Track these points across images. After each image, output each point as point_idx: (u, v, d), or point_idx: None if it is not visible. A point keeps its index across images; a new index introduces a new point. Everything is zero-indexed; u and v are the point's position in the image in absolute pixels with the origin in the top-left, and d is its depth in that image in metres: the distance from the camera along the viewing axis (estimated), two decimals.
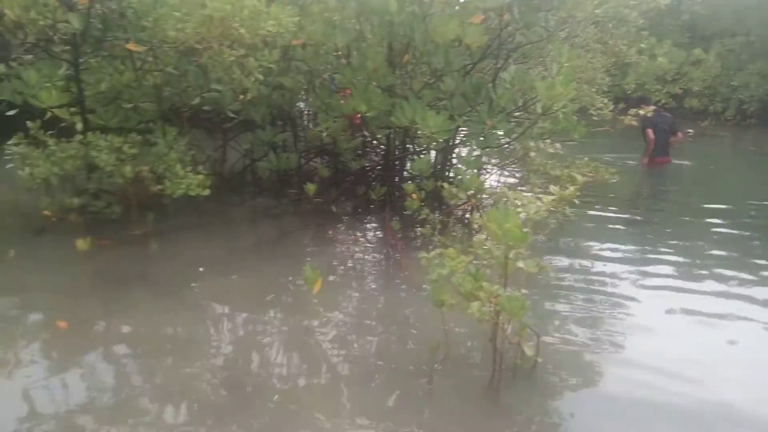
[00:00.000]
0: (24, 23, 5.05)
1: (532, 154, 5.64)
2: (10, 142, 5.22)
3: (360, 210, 6.27)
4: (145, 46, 5.12)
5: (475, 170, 5.32)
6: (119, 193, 5.62)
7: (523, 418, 3.09)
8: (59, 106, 5.05)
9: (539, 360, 3.48)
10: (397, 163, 6.63)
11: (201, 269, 4.73)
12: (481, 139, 5.26)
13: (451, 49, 5.09)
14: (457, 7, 5.17)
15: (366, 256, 5.12)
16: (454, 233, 5.10)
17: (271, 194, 6.90)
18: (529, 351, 3.36)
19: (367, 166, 6.34)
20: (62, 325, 3.76)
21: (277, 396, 3.16)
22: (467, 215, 5.57)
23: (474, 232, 5.09)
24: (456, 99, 5.39)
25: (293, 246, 5.33)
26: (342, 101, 5.48)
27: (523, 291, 3.16)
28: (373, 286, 4.62)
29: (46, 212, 5.15)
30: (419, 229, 5.45)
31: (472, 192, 5.12)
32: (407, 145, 6.91)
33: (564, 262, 5.15)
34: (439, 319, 3.37)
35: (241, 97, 5.85)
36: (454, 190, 4.95)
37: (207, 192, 5.21)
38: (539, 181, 5.47)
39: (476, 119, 5.23)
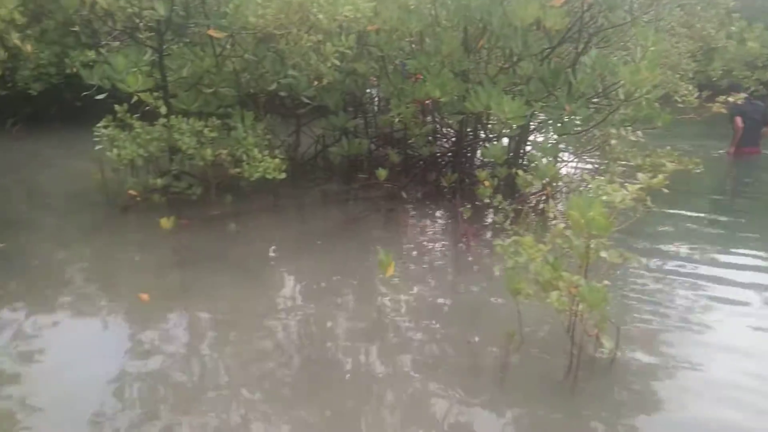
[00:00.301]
0: (113, 11, 5.29)
1: (613, 141, 5.43)
2: (99, 125, 5.50)
3: (430, 196, 6.24)
4: (226, 32, 5.26)
5: (552, 158, 5.17)
6: (199, 174, 5.83)
7: (599, 413, 3.00)
8: (144, 91, 5.27)
9: (618, 354, 3.36)
10: (468, 149, 6.55)
11: (275, 250, 4.86)
12: (559, 125, 5.11)
13: (529, 32, 4.96)
14: None
15: (436, 243, 5.10)
16: (527, 222, 4.99)
17: (342, 179, 6.98)
18: (608, 344, 3.25)
19: (438, 153, 6.29)
20: (144, 297, 3.95)
21: (348, 375, 3.21)
22: (541, 204, 5.43)
23: (549, 221, 4.96)
24: (533, 84, 5.26)
25: (363, 230, 5.37)
26: (415, 87, 5.44)
27: (605, 282, 3.05)
28: (444, 272, 4.60)
29: (131, 191, 5.41)
30: (491, 216, 5.38)
31: (547, 180, 5.00)
32: (479, 132, 6.83)
33: (640, 255, 4.94)
34: (512, 307, 3.31)
35: (316, 83, 5.93)
36: (529, 177, 4.84)
37: (283, 175, 5.32)
38: (619, 170, 5.25)
39: (554, 105, 5.08)
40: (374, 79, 6.79)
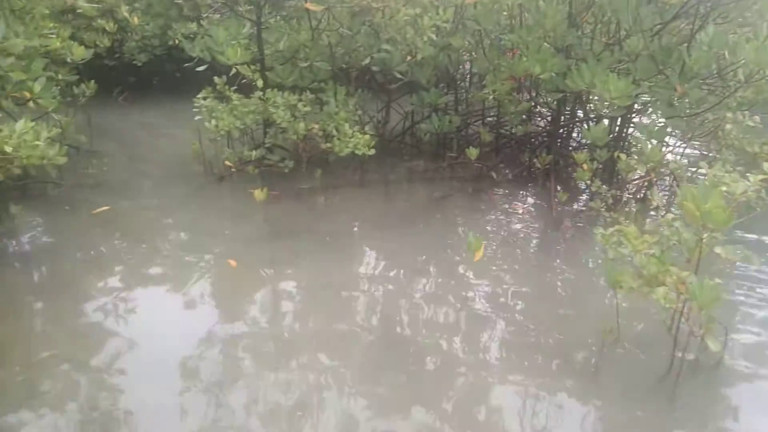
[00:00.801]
0: None
1: (728, 126, 5.00)
2: (199, 96, 5.69)
3: (521, 178, 6.04)
4: (323, 5, 5.25)
5: (658, 142, 4.84)
6: (291, 148, 5.93)
7: (698, 420, 2.81)
8: (242, 64, 5.38)
9: (724, 359, 3.13)
10: (564, 130, 6.27)
11: (361, 226, 4.87)
12: (668, 107, 4.76)
13: (641, 5, 4.61)
14: None
15: (527, 226, 4.93)
16: (627, 209, 4.72)
17: (430, 157, 6.89)
18: (714, 346, 3.02)
19: (532, 132, 6.05)
20: (232, 263, 4.09)
21: (428, 358, 3.17)
22: (643, 191, 5.13)
23: (651, 209, 4.68)
24: (641, 62, 4.91)
25: (450, 210, 5.28)
26: (512, 62, 5.23)
27: (717, 281, 2.82)
28: (535, 258, 4.44)
29: (227, 162, 5.58)
30: (586, 202, 5.13)
31: (652, 165, 4.69)
32: (576, 111, 6.51)
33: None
34: (608, 299, 3.15)
35: (409, 57, 5.84)
36: (632, 162, 4.56)
37: (372, 152, 5.31)
38: (732, 158, 4.84)
39: (664, 85, 4.73)
40: (467, 54, 6.62)
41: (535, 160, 5.75)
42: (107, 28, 9.53)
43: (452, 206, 5.40)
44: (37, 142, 3.71)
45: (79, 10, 7.84)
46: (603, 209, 4.75)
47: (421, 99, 6.29)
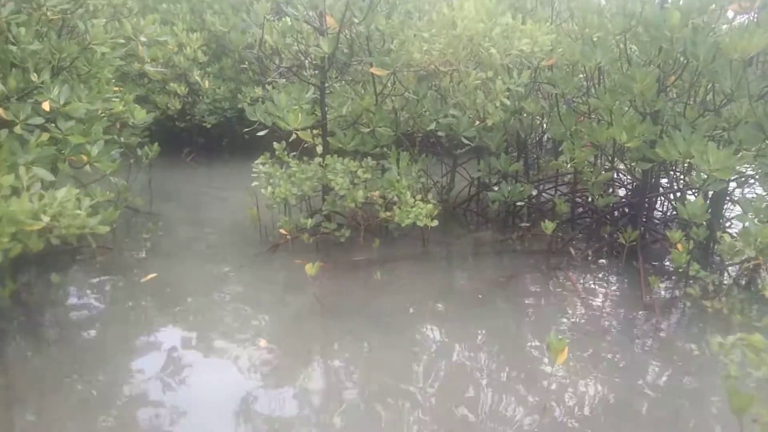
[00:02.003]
0: (280, 48, 5.27)
1: None
2: (257, 162, 5.49)
3: (601, 254, 5.42)
4: (388, 70, 4.99)
5: (767, 220, 4.18)
6: (349, 216, 5.60)
7: None
8: (303, 129, 5.16)
9: None
10: (648, 203, 5.65)
11: (419, 307, 4.37)
12: None
13: (744, 68, 4.08)
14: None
15: (612, 315, 4.28)
16: (729, 297, 4.04)
17: (498, 227, 6.39)
18: None
19: (614, 204, 5.46)
20: (262, 342, 3.71)
21: None
22: (747, 276, 4.43)
23: (761, 299, 3.99)
24: (744, 129, 4.33)
25: (522, 292, 4.71)
26: (594, 128, 4.75)
27: None
28: (627, 359, 3.73)
29: (282, 230, 5.28)
30: (680, 286, 4.47)
31: (760, 247, 4.01)
32: (661, 182, 5.90)
33: None
34: (725, 419, 2.51)
35: (477, 122, 5.48)
36: (738, 243, 3.91)
37: (434, 223, 4.89)
38: None
39: None
40: (540, 118, 6.20)
41: (617, 234, 5.15)
42: (179, 92, 9.76)
43: (524, 286, 4.83)
44: (78, 211, 3.50)
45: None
46: (701, 297, 4.09)
47: (491, 165, 5.87)
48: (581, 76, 5.08)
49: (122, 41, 5.51)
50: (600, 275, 5.04)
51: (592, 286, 4.80)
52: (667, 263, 5.16)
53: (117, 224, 5.57)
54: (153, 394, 3.21)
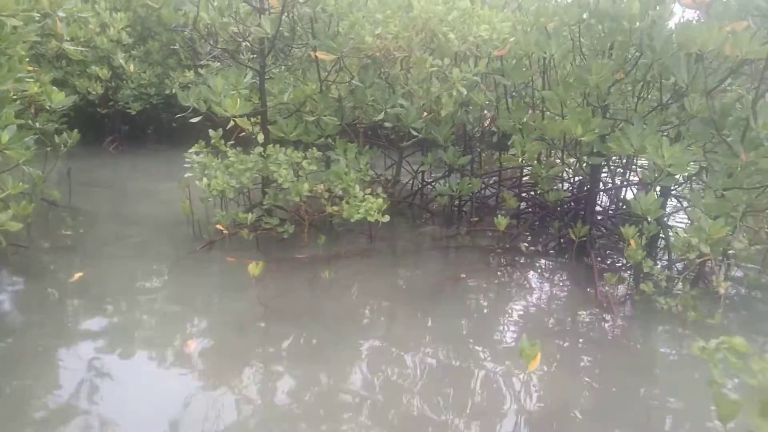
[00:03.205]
0: (217, 28, 4.85)
1: None
2: (191, 151, 5.06)
3: (551, 251, 5.34)
4: (335, 54, 4.69)
5: (717, 217, 4.19)
6: (292, 210, 5.27)
7: None
8: (242, 116, 4.78)
9: None
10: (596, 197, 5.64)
11: (368, 308, 4.11)
12: (729, 177, 4.14)
13: (700, 62, 4.05)
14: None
15: (568, 313, 4.16)
16: (687, 296, 4.02)
17: (443, 221, 6.23)
18: None
19: (563, 200, 5.39)
20: (191, 345, 3.39)
21: None
22: (700, 272, 4.44)
23: (715, 296, 3.99)
24: (695, 124, 4.33)
25: (474, 289, 4.54)
26: (547, 122, 4.64)
27: None
28: (585, 356, 3.62)
29: (219, 226, 4.88)
30: (635, 283, 4.43)
31: (714, 244, 4.01)
32: (610, 177, 5.92)
33: None
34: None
35: (425, 113, 5.27)
36: (693, 240, 3.89)
37: (386, 218, 4.64)
38: None
39: (725, 152, 4.12)
40: (488, 111, 6.08)
41: (566, 230, 5.08)
42: (101, 75, 9.04)
43: (476, 284, 4.65)
44: None
45: (71, 56, 7.33)
46: (654, 293, 4.06)
47: (438, 158, 5.69)
48: (533, 67, 4.95)
49: (37, 16, 4.95)
50: (551, 272, 4.95)
51: (545, 283, 4.70)
52: (615, 259, 5.15)
53: (32, 219, 5.00)
54: (78, 403, 2.80)
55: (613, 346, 3.71)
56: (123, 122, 10.31)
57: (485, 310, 4.14)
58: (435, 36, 3.94)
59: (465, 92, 4.28)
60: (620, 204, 6.02)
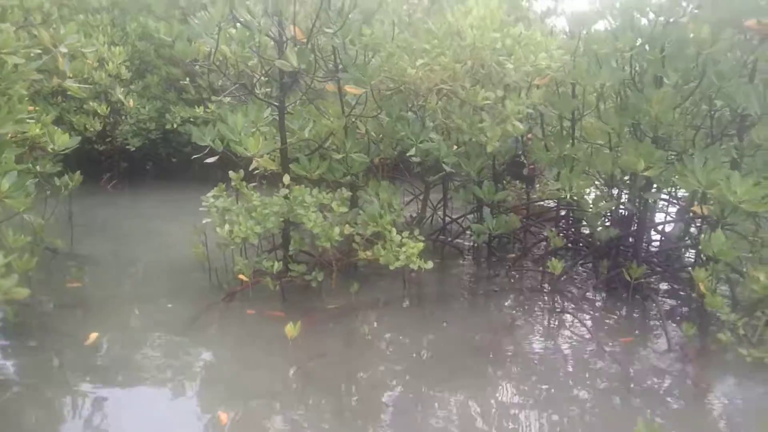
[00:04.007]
0: (237, 61, 4.49)
1: None
2: (209, 194, 4.64)
3: (601, 292, 4.92)
4: (363, 88, 4.32)
5: None
6: (318, 255, 4.84)
7: None
8: (263, 155, 4.39)
9: None
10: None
11: (423, 372, 3.66)
12: None
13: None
14: None
15: (648, 370, 3.61)
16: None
17: (476, 261, 5.83)
18: None
19: (613, 238, 4.98)
20: (223, 417, 2.93)
21: None
22: None
23: None
24: (761, 156, 3.99)
25: (533, 343, 4.03)
26: (599, 155, 4.29)
27: None
28: (681, 421, 3.17)
29: (241, 276, 4.44)
30: (708, 332, 4.02)
31: None
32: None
33: None
34: None
35: (455, 147, 4.91)
36: None
37: (430, 265, 4.22)
38: None
39: None
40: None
41: (624, 271, 4.64)
42: (99, 111, 8.64)
43: (533, 335, 4.16)
44: None
45: (69, 92, 6.94)
46: (736, 344, 3.66)
47: (473, 193, 5.31)
48: (580, 97, 4.60)
49: (38, 51, 4.58)
50: (607, 317, 4.52)
51: (605, 330, 4.26)
52: (674, 301, 4.75)
53: (33, 272, 4.53)
54: None
55: (700, 405, 3.28)
56: (121, 159, 9.87)
57: (550, 368, 3.69)
58: (485, 66, 3.59)
59: (521, 127, 3.92)
60: (666, 239, 5.64)
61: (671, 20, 3.96)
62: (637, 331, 4.22)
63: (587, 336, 4.08)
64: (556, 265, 4.32)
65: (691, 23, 3.69)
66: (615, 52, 4.05)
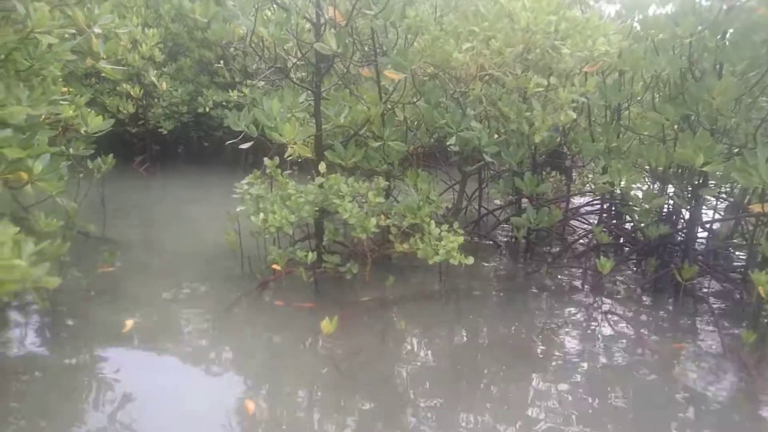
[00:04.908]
0: (274, 44, 4.35)
1: None
2: (243, 182, 4.53)
3: (649, 292, 4.69)
4: (404, 73, 4.13)
5: None
6: (353, 246, 4.71)
7: None
8: (298, 142, 4.25)
9: None
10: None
11: (462, 371, 3.51)
12: None
13: None
14: None
15: (707, 380, 3.39)
16: None
17: (512, 255, 5.63)
18: None
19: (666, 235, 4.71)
20: (250, 406, 2.87)
21: None
22: None
23: None
24: None
25: (576, 345, 3.84)
26: (650, 147, 4.04)
27: None
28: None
29: (274, 266, 4.33)
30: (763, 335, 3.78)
31: None
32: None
33: None
34: None
35: (496, 136, 4.71)
36: None
37: (471, 260, 4.05)
38: None
39: None
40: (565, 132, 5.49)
41: (675, 271, 4.39)
42: (132, 93, 8.62)
43: (576, 337, 3.93)
44: (17, 261, 2.50)
45: (103, 74, 6.92)
46: None
47: (513, 185, 5.10)
48: (633, 85, 4.36)
49: (72, 32, 4.50)
50: (658, 321, 4.27)
51: (656, 336, 4.03)
52: (725, 303, 4.51)
53: (66, 257, 4.50)
54: None
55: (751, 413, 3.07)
56: (154, 142, 9.87)
57: (594, 375, 3.50)
58: (538, 50, 3.38)
59: (575, 117, 3.71)
60: (713, 237, 5.37)
61: (737, 4, 3.68)
62: (689, 336, 3.99)
63: (635, 340, 3.87)
64: (605, 264, 4.11)
65: (762, 8, 3.42)
66: (674, 38, 3.78)
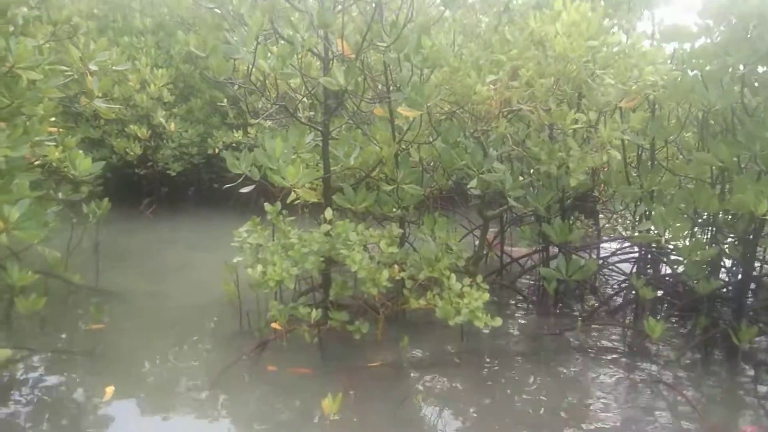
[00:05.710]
0: (276, 80, 3.99)
1: None
2: (241, 229, 4.11)
3: (698, 355, 4.12)
4: (419, 110, 3.72)
5: None
6: (362, 301, 4.23)
7: None
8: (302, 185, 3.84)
9: None
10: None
11: None
12: None
13: None
14: None
15: None
16: None
17: (540, 309, 5.09)
18: None
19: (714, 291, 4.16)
20: None
21: None
22: None
23: None
24: None
25: (622, 422, 3.32)
26: (702, 192, 3.56)
27: None
28: None
29: (275, 325, 3.86)
30: None
31: None
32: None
33: None
34: None
35: (521, 178, 4.26)
36: None
37: (499, 322, 3.55)
38: None
39: None
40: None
41: (732, 332, 3.82)
42: (140, 135, 8.36)
43: (621, 413, 3.39)
44: None
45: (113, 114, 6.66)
46: None
47: (535, 232, 4.62)
48: (673, 121, 3.91)
49: (65, 68, 4.21)
50: (715, 392, 3.67)
51: (716, 412, 3.43)
52: None
53: (45, 313, 4.09)
54: None
55: None
56: (162, 184, 9.57)
57: None
58: (575, 81, 2.95)
59: (619, 156, 3.26)
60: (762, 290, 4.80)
61: None
62: (761, 414, 3.39)
63: (693, 418, 3.29)
64: (654, 327, 3.55)
65: None
66: (724, 69, 3.34)
